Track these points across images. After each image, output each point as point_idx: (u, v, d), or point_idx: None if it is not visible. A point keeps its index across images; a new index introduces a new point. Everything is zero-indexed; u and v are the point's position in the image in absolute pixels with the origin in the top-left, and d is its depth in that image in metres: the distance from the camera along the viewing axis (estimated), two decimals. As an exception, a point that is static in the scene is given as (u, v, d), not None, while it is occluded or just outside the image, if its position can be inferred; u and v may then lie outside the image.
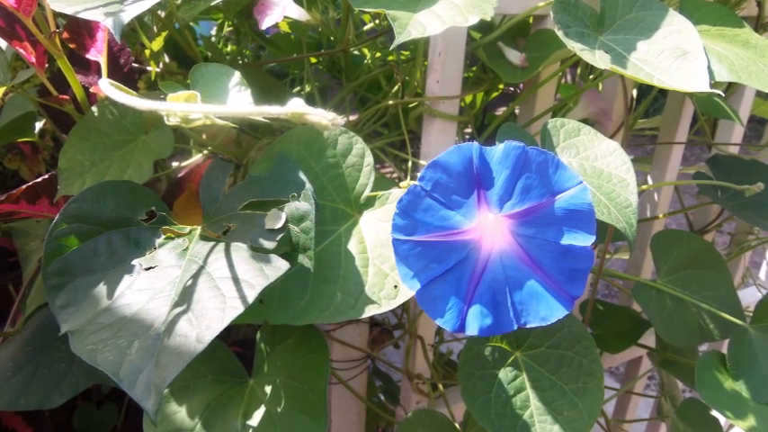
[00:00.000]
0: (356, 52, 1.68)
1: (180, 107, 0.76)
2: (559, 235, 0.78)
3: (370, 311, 0.90)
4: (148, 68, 1.38)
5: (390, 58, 1.62)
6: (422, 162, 1.16)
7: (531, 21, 1.30)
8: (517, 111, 1.44)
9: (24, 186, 1.00)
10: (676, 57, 0.97)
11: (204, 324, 0.74)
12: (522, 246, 0.80)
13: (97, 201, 0.90)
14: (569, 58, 1.22)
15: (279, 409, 0.95)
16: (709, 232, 1.72)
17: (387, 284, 0.92)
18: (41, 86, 1.14)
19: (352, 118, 1.38)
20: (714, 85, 0.98)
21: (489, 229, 0.81)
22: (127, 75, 1.12)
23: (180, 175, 1.08)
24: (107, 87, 0.79)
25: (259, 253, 0.82)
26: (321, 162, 0.99)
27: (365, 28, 1.60)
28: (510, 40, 1.26)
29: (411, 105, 1.24)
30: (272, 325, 0.99)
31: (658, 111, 1.76)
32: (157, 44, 1.37)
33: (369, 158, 0.99)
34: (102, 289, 0.82)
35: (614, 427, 1.82)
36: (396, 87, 1.36)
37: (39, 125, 1.21)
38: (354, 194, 0.99)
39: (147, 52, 1.38)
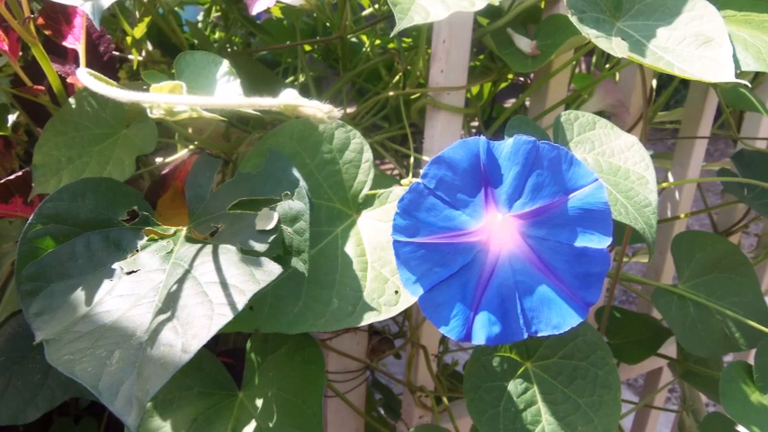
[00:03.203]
0: (354, 39, 1.69)
1: (164, 98, 0.76)
2: (573, 236, 0.78)
3: (368, 319, 0.90)
4: (130, 57, 1.38)
5: (391, 45, 1.63)
6: (425, 158, 1.16)
7: (542, 5, 1.30)
8: (527, 103, 1.44)
9: (-4, 184, 1.00)
10: (699, 44, 0.98)
11: (190, 333, 0.74)
12: (533, 248, 0.80)
13: (75, 200, 0.90)
14: (584, 46, 1.22)
15: (270, 425, 0.95)
16: (734, 234, 1.72)
17: (387, 290, 0.92)
18: (14, 76, 1.14)
19: (349, 110, 1.38)
20: (740, 74, 0.98)
21: (497, 230, 0.81)
22: (107, 63, 1.13)
23: (164, 172, 1.08)
24: (85, 77, 0.79)
25: (249, 256, 0.82)
26: (316, 158, 0.99)
27: (363, 13, 1.60)
28: (520, 26, 1.26)
29: (413, 97, 1.24)
30: (264, 334, 0.99)
31: (680, 103, 1.76)
32: (140, 31, 1.37)
33: (367, 154, 1.00)
34: (79, 295, 0.82)
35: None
36: (397, 77, 1.36)
37: (12, 118, 1.21)
38: (352, 193, 0.99)
39: (129, 39, 1.38)
